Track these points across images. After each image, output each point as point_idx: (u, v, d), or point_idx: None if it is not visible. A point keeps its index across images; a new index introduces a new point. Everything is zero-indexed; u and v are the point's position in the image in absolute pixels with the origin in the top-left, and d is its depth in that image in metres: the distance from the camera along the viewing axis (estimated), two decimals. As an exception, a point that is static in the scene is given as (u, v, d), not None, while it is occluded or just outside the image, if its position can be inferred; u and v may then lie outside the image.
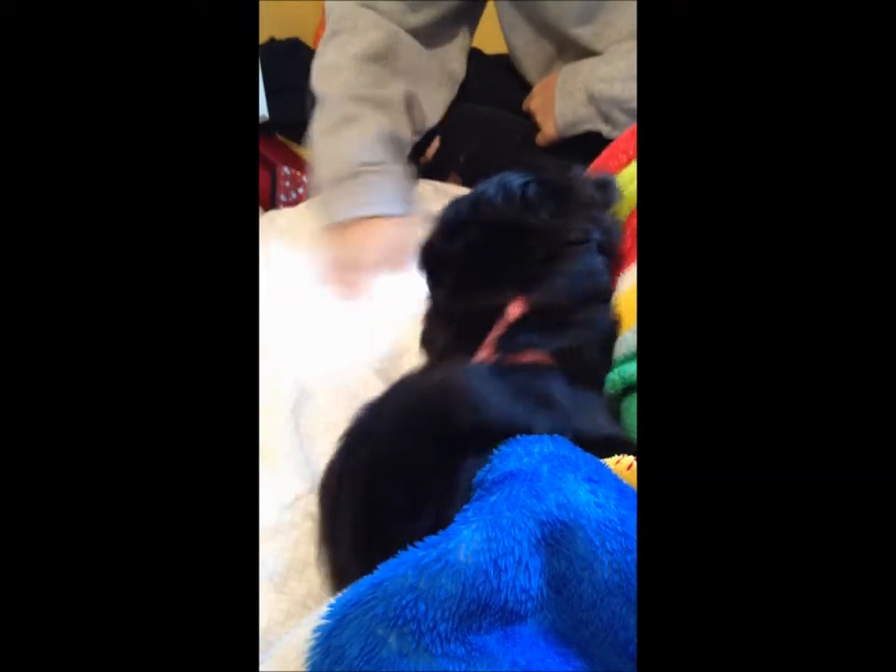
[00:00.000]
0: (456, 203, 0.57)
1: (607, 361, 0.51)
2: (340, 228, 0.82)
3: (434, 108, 0.96)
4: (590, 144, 0.80)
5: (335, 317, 0.72)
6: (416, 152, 0.96)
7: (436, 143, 1.00)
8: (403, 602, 0.33)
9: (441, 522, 0.37)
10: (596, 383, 0.50)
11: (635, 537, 0.35)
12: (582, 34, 0.87)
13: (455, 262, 0.55)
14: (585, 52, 0.88)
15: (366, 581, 0.35)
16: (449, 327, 0.56)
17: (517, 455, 0.41)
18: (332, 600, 0.35)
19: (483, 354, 0.51)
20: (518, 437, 0.42)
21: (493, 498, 0.38)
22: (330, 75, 0.89)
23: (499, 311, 0.51)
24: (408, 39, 0.91)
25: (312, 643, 0.34)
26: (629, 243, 0.59)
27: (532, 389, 0.47)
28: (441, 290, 0.57)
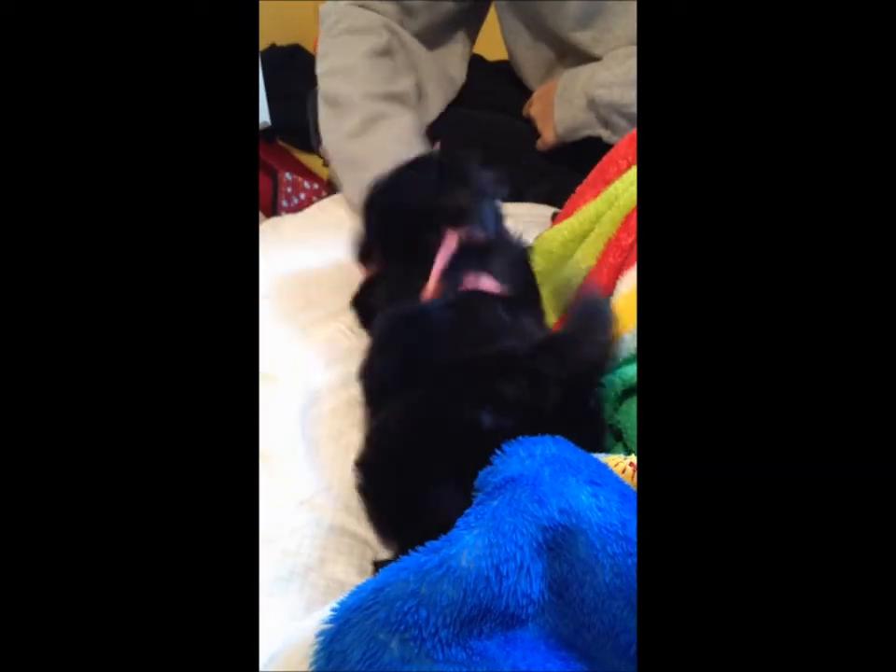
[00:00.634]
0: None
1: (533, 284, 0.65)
2: None
3: (435, 105, 0.97)
4: (590, 149, 0.80)
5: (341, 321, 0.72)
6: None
7: (436, 147, 1.01)
8: (405, 608, 0.33)
9: None
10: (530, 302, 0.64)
11: (636, 540, 0.35)
12: (582, 39, 0.88)
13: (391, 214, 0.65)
14: (585, 57, 0.89)
15: (368, 585, 0.35)
16: (391, 266, 0.65)
17: (519, 457, 0.41)
18: (335, 604, 0.36)
19: (431, 287, 0.59)
20: (520, 439, 0.42)
21: (495, 503, 0.38)
22: (344, 76, 0.88)
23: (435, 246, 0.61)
24: (409, 38, 0.91)
25: (316, 647, 0.34)
26: (632, 242, 0.60)
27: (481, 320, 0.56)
28: (379, 234, 0.67)
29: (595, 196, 0.66)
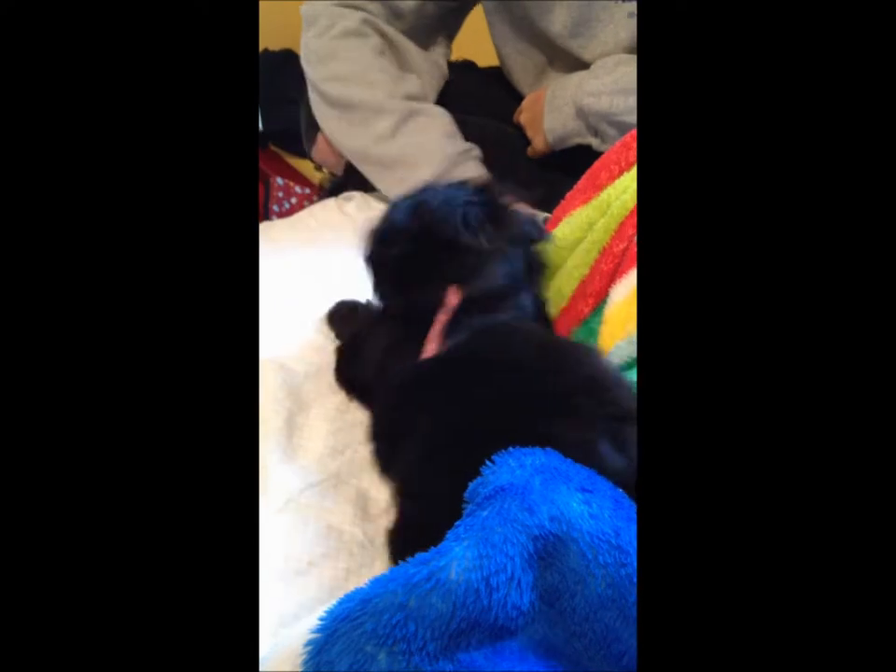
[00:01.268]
0: (396, 208, 0.61)
1: None
2: None
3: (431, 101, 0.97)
4: (580, 156, 0.80)
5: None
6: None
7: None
8: (393, 620, 0.33)
9: None
10: None
11: (629, 550, 0.35)
12: (571, 45, 0.88)
13: (394, 263, 0.60)
14: (575, 62, 0.89)
15: (356, 595, 0.35)
16: (392, 323, 0.61)
17: (509, 467, 0.41)
18: (323, 612, 0.35)
19: (432, 346, 0.55)
20: (510, 449, 0.42)
21: (484, 514, 0.37)
22: (355, 81, 0.88)
23: (439, 304, 0.56)
24: (400, 37, 0.92)
25: (304, 657, 0.34)
26: (624, 249, 0.60)
27: None
28: (383, 287, 0.62)
29: (586, 202, 0.65)
